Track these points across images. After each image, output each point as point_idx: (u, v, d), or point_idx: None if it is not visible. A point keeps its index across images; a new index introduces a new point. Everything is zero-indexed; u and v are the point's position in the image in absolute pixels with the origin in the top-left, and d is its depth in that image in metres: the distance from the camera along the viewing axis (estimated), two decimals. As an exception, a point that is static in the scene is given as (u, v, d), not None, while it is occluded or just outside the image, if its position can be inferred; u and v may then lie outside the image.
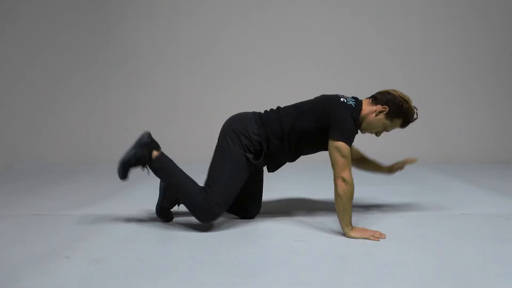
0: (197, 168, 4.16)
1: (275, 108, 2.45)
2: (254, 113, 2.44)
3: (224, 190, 2.26)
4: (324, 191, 3.11)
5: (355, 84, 4.99)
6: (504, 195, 3.15)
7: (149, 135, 2.36)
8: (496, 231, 2.31)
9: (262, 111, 2.47)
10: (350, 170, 2.19)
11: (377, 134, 2.42)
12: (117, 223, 2.46)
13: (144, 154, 2.30)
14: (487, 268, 1.81)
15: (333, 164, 2.20)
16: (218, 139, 2.39)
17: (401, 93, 2.36)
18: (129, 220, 2.51)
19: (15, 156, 4.85)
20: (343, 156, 2.18)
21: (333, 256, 1.96)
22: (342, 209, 2.17)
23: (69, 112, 5.12)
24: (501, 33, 5.25)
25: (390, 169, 2.64)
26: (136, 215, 2.60)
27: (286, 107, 2.42)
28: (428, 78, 5.21)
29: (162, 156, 2.36)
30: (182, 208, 2.55)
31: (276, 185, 3.31)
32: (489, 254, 1.96)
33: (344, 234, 2.20)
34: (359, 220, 2.47)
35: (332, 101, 2.31)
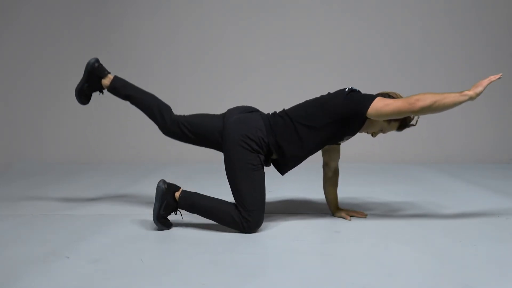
0: (197, 168, 4.17)
1: (279, 110, 2.43)
2: (261, 115, 2.38)
3: (251, 196, 2.26)
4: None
5: (356, 85, 4.97)
6: (504, 195, 3.15)
7: (163, 182, 2.35)
8: (496, 231, 2.31)
9: (265, 112, 2.44)
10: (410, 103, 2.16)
11: (373, 134, 2.41)
12: (117, 223, 2.46)
13: (169, 201, 2.31)
14: (487, 268, 1.81)
15: (395, 113, 2.17)
16: (227, 142, 2.29)
17: (401, 96, 2.34)
18: (129, 220, 2.51)
19: (15, 156, 4.85)
20: (387, 104, 2.17)
21: (333, 256, 1.96)
22: (443, 103, 2.22)
23: (69, 112, 5.11)
24: (501, 33, 5.25)
25: (336, 211, 2.59)
26: (136, 215, 2.60)
27: (293, 111, 2.37)
28: (428, 78, 5.20)
29: (184, 193, 2.36)
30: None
31: (276, 185, 3.31)
32: (489, 254, 1.96)
33: (470, 99, 2.21)
34: (359, 220, 2.48)
35: (337, 92, 2.35)
